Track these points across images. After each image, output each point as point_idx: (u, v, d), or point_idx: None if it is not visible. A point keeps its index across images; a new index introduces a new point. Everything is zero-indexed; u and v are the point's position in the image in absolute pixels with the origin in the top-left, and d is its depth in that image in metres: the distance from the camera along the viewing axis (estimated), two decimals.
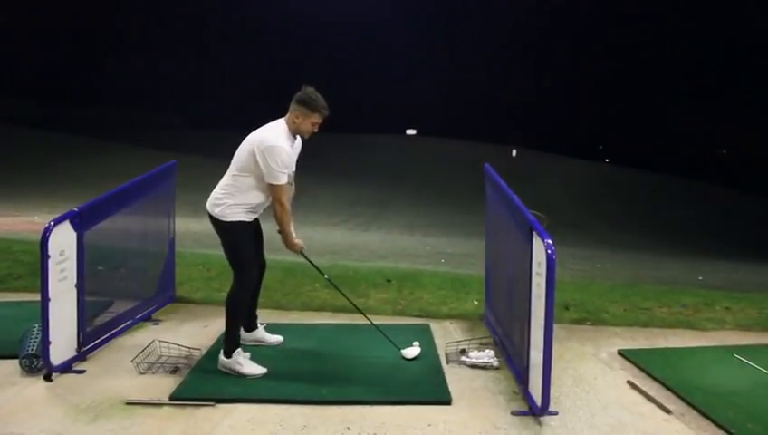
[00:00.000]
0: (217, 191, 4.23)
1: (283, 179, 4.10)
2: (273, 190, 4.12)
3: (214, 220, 4.23)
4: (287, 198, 4.21)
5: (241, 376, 4.09)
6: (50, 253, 3.95)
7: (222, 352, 4.19)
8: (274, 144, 4.04)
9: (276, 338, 4.80)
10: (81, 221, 4.27)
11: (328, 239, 15.56)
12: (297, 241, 4.36)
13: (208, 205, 4.24)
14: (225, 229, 4.20)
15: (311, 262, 4.57)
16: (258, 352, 4.51)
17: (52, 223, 4.03)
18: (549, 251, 3.40)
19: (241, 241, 4.22)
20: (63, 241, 4.11)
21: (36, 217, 13.71)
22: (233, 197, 4.17)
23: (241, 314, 4.30)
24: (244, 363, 4.16)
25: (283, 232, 4.31)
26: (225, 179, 4.23)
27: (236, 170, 4.17)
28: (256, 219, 4.36)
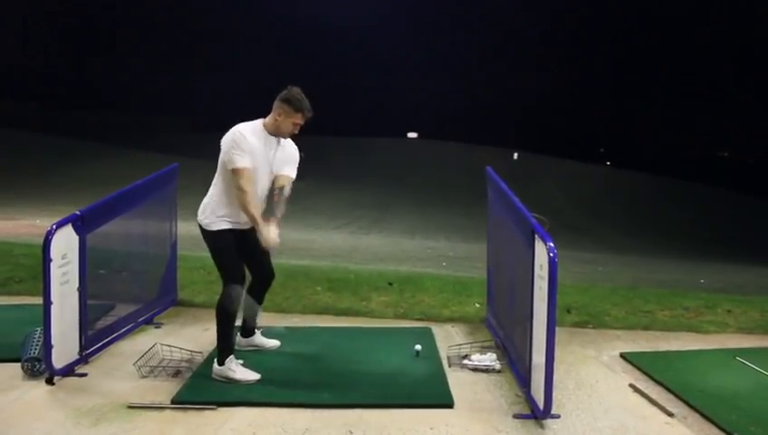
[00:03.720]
0: (204, 200, 4.22)
1: (240, 162, 3.97)
2: (233, 176, 4.00)
3: (200, 229, 4.22)
4: (251, 185, 4.02)
5: (234, 383, 4.06)
6: (52, 256, 3.95)
7: (215, 360, 4.18)
8: (232, 131, 4.03)
9: (273, 343, 4.78)
10: (83, 224, 4.27)
11: (329, 243, 15.58)
12: (272, 234, 4.07)
13: (198, 213, 4.23)
14: (209, 238, 4.18)
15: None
16: (259, 357, 4.51)
17: (54, 226, 4.02)
18: (551, 254, 3.40)
19: (224, 250, 4.16)
20: (65, 244, 4.11)
21: (38, 221, 13.73)
22: (218, 205, 4.14)
23: (230, 323, 4.22)
24: (237, 370, 4.11)
25: (252, 221, 4.06)
26: (211, 188, 4.22)
27: (217, 176, 4.16)
28: (252, 227, 4.17)
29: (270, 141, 4.16)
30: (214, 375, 4.12)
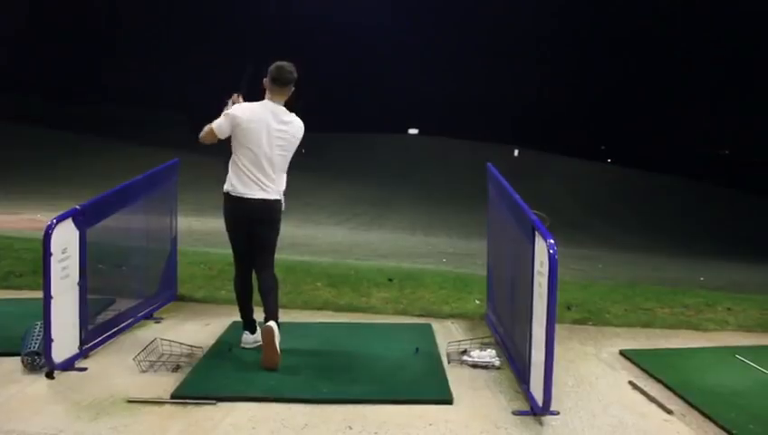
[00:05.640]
0: (269, 182, 4.39)
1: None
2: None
3: (277, 204, 4.44)
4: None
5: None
6: (52, 250, 3.95)
7: (275, 322, 4.27)
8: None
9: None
10: (83, 219, 4.27)
11: (329, 238, 15.59)
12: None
13: (268, 194, 4.37)
14: (280, 215, 4.51)
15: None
16: (259, 352, 4.51)
17: (54, 221, 4.03)
18: (551, 251, 3.40)
19: None
20: (66, 239, 4.11)
21: (39, 215, 13.73)
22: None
23: None
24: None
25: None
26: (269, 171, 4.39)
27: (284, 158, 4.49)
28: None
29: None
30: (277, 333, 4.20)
